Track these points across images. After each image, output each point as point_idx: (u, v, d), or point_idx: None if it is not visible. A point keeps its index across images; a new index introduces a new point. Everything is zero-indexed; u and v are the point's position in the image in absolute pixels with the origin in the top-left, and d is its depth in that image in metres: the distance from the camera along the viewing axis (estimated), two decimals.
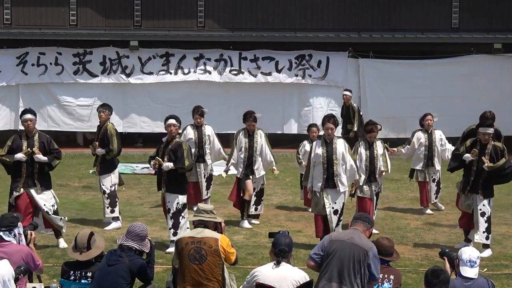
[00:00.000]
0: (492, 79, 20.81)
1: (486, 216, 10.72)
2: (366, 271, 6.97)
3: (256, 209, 12.58)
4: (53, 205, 10.81)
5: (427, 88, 20.80)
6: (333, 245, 7.10)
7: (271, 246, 7.25)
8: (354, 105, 18.25)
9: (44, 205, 10.69)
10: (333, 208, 10.77)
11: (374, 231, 11.77)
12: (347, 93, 18.30)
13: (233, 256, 7.56)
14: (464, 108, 20.68)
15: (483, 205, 10.74)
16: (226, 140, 21.28)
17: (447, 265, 7.03)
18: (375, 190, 11.78)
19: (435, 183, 13.65)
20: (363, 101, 20.95)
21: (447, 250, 7.24)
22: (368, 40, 21.21)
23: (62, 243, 10.90)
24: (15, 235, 7.49)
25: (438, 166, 13.64)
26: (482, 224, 10.71)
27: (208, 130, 13.49)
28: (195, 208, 12.83)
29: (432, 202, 13.68)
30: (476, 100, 20.68)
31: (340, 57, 21.06)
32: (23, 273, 7.01)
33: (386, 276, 7.14)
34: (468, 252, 6.78)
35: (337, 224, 10.84)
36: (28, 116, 10.74)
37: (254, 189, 12.48)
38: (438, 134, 13.71)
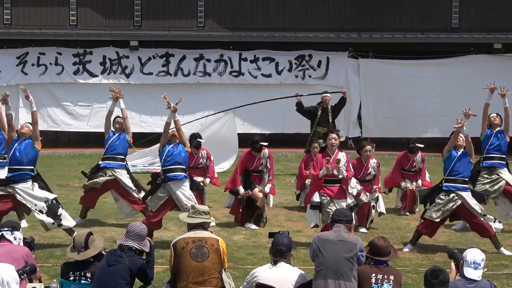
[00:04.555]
0: (492, 79, 20.72)
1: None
2: (356, 261, 7.23)
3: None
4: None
5: (427, 88, 20.81)
6: (323, 244, 7.23)
7: (270, 246, 7.26)
8: (330, 107, 17.09)
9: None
10: None
11: (363, 230, 12.01)
12: (328, 95, 17.19)
13: (226, 263, 7.68)
14: (464, 108, 20.66)
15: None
16: None
17: (453, 266, 7.01)
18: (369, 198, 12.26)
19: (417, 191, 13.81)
20: (363, 101, 20.95)
21: (455, 251, 7.21)
22: (368, 40, 21.21)
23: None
24: (15, 238, 7.54)
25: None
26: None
27: (204, 154, 13.85)
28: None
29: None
30: (476, 100, 20.59)
31: (340, 57, 21.05)
32: (28, 272, 7.01)
33: (386, 276, 7.08)
34: (473, 254, 6.73)
35: None
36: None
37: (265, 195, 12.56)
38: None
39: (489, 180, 12.08)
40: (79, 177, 16.72)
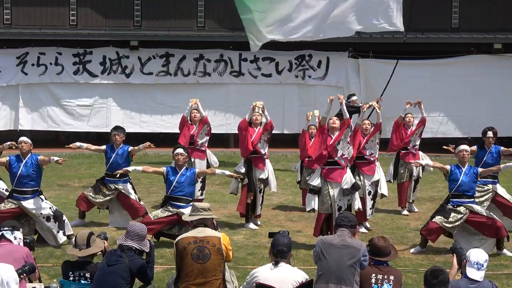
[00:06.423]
0: (492, 79, 20.82)
1: None
2: (358, 266, 7.14)
3: (260, 209, 12.65)
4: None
5: (427, 88, 20.80)
6: (326, 249, 7.19)
7: (270, 246, 7.25)
8: None
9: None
10: (337, 205, 10.79)
11: (363, 230, 12.02)
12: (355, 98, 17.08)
13: (231, 253, 7.67)
14: (464, 108, 20.71)
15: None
16: (227, 141, 21.36)
17: (455, 262, 7.01)
18: (368, 190, 12.23)
19: (413, 181, 13.86)
20: (363, 101, 20.92)
21: (458, 247, 7.19)
22: (368, 40, 21.19)
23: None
24: (15, 238, 7.54)
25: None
26: None
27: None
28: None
29: (410, 201, 13.89)
30: (476, 100, 20.71)
31: (340, 57, 21.05)
32: (27, 272, 7.01)
33: (386, 277, 7.06)
34: (476, 254, 6.72)
35: None
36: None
37: (260, 190, 12.51)
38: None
39: (479, 189, 12.11)
40: (79, 177, 16.74)
